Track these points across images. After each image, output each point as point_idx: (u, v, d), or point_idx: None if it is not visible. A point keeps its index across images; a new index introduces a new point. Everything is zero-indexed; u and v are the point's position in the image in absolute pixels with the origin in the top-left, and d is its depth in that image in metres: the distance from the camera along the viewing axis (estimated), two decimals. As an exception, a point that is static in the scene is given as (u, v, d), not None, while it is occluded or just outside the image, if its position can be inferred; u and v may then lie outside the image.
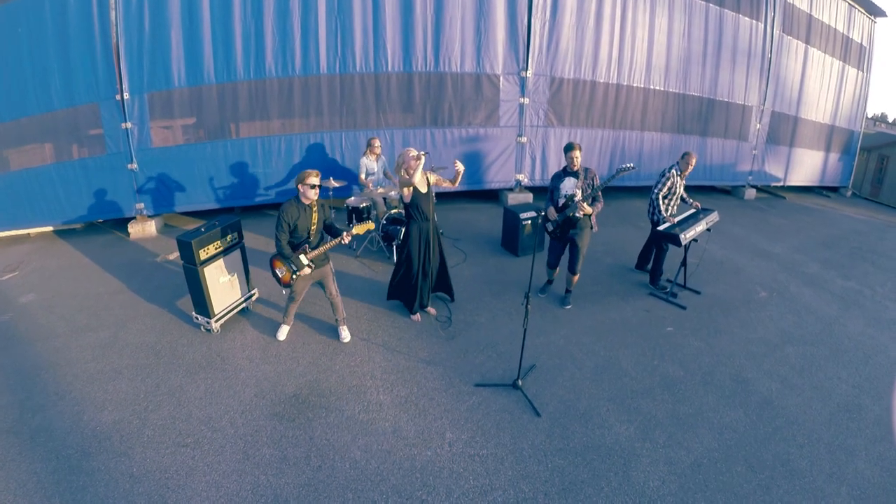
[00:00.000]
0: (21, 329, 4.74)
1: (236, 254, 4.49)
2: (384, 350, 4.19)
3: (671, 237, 4.95)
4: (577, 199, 4.36)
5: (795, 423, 3.63)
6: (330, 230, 4.05)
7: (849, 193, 15.26)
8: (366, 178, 6.26)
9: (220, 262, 4.29)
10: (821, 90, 12.86)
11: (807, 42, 11.90)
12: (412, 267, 4.39)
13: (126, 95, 6.73)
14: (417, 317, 4.62)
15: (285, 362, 4.02)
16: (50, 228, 7.74)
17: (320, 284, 4.20)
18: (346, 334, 4.30)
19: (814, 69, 12.33)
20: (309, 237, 3.91)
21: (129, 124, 6.84)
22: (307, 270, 3.90)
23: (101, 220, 7.76)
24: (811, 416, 3.72)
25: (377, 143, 6.27)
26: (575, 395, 3.71)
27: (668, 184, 5.19)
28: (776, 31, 10.80)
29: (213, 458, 3.09)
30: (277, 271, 4.03)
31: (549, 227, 4.70)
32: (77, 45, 6.64)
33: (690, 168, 5.24)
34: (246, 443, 3.21)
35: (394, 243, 5.79)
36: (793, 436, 3.49)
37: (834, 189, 15.17)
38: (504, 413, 3.47)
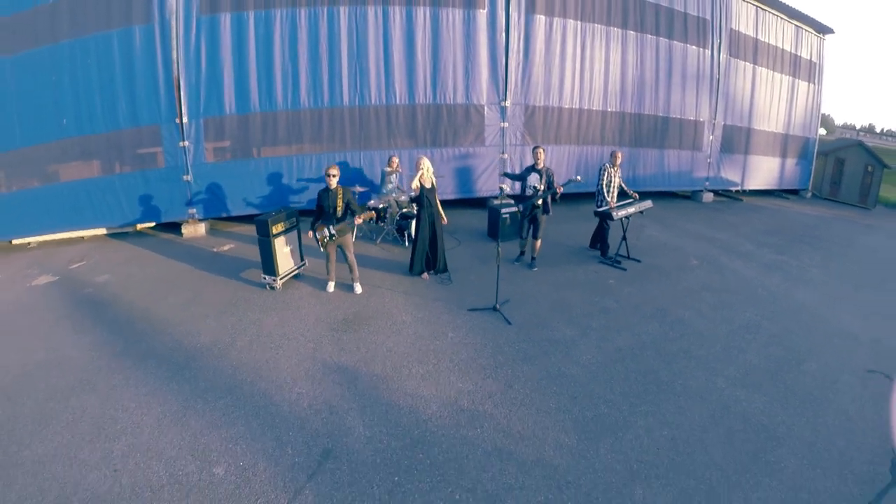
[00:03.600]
0: (105, 297, 6.16)
1: (294, 234, 6.41)
2: (404, 294, 6.08)
3: (607, 215, 6.92)
4: (539, 191, 6.43)
5: (700, 334, 5.43)
6: (352, 210, 5.91)
7: (808, 195, 17.38)
8: (387, 184, 8.27)
9: (283, 237, 6.20)
10: (772, 103, 15.06)
11: (754, 62, 14.15)
12: (421, 240, 6.34)
13: (185, 119, 8.70)
14: (426, 276, 6.53)
15: (334, 303, 5.88)
16: (103, 231, 9.24)
17: (342, 252, 6.08)
18: (358, 288, 6.16)
19: (763, 85, 14.55)
20: (335, 213, 5.81)
21: (186, 143, 8.79)
22: (325, 232, 5.78)
23: (151, 225, 9.57)
24: (714, 331, 5.51)
25: (396, 160, 8.33)
26: (536, 315, 5.60)
27: (605, 176, 7.20)
28: (723, 56, 13.06)
29: (293, 353, 4.83)
30: (317, 234, 5.91)
31: (520, 207, 6.67)
32: (142, 76, 8.48)
33: (619, 160, 7.24)
34: (315, 343, 5.01)
35: (405, 233, 7.73)
36: (696, 340, 5.29)
37: (794, 192, 17.30)
38: (487, 322, 5.34)
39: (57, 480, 3.27)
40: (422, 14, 9.08)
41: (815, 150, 17.30)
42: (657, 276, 7.06)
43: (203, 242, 8.71)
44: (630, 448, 3.65)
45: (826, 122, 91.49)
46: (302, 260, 6.65)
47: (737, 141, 13.97)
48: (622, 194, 7.54)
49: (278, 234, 6.06)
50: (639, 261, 7.53)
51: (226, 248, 8.25)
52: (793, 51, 15.58)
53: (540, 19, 9.88)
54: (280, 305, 5.88)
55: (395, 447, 3.59)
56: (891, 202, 17.91)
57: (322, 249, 6.07)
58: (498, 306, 5.57)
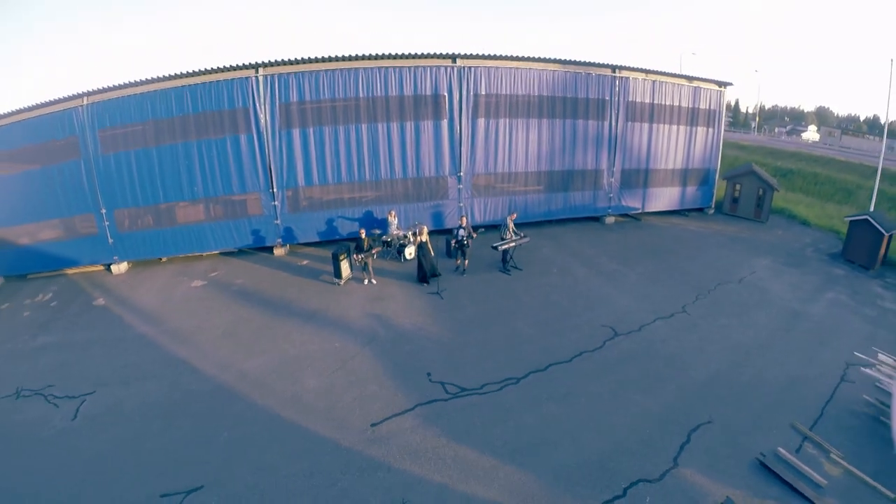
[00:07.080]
0: (248, 290, 14.62)
1: (347, 259, 14.77)
2: (403, 288, 14.50)
3: (494, 248, 15.14)
4: (464, 239, 14.74)
5: (526, 305, 13.61)
6: (372, 247, 14.36)
7: (711, 212, 24.93)
8: (390, 227, 16.58)
9: (344, 260, 14.54)
10: (668, 148, 22.47)
11: (651, 122, 21.74)
12: (422, 263, 14.69)
13: (274, 189, 17.06)
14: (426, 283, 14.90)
15: (369, 290, 14.28)
16: (216, 252, 17.93)
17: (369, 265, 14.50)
18: (374, 281, 14.64)
19: (660, 137, 21.99)
20: (364, 247, 14.18)
21: (276, 203, 17.16)
22: (360, 256, 14.17)
23: (250, 248, 17.93)
24: (533, 304, 13.69)
25: (393, 212, 16.65)
26: (455, 295, 13.93)
27: (504, 226, 15.40)
28: (620, 122, 20.85)
29: (353, 309, 13.22)
30: (354, 257, 14.27)
31: (455, 244, 14.93)
32: (247, 163, 16.87)
33: (513, 218, 15.46)
34: (362, 306, 13.35)
35: (402, 255, 16.06)
36: (521, 308, 13.47)
37: (699, 210, 24.88)
38: (432, 296, 13.77)
39: (277, 352, 11.54)
40: (409, 125, 17.38)
41: (716, 177, 24.82)
42: (525, 278, 15.25)
43: (288, 259, 17.15)
44: (471, 337, 11.94)
45: (825, 115, 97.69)
46: (352, 270, 15.03)
47: (635, 179, 21.79)
48: (516, 235, 15.71)
49: (341, 259, 14.42)
50: (521, 269, 15.72)
51: (304, 262, 16.67)
52: (691, 105, 22.93)
53: (481, 121, 18.08)
54: (344, 292, 14.29)
55: (395, 337, 11.97)
56: (787, 213, 25.46)
57: (359, 265, 14.44)
58: (438, 291, 13.89)
